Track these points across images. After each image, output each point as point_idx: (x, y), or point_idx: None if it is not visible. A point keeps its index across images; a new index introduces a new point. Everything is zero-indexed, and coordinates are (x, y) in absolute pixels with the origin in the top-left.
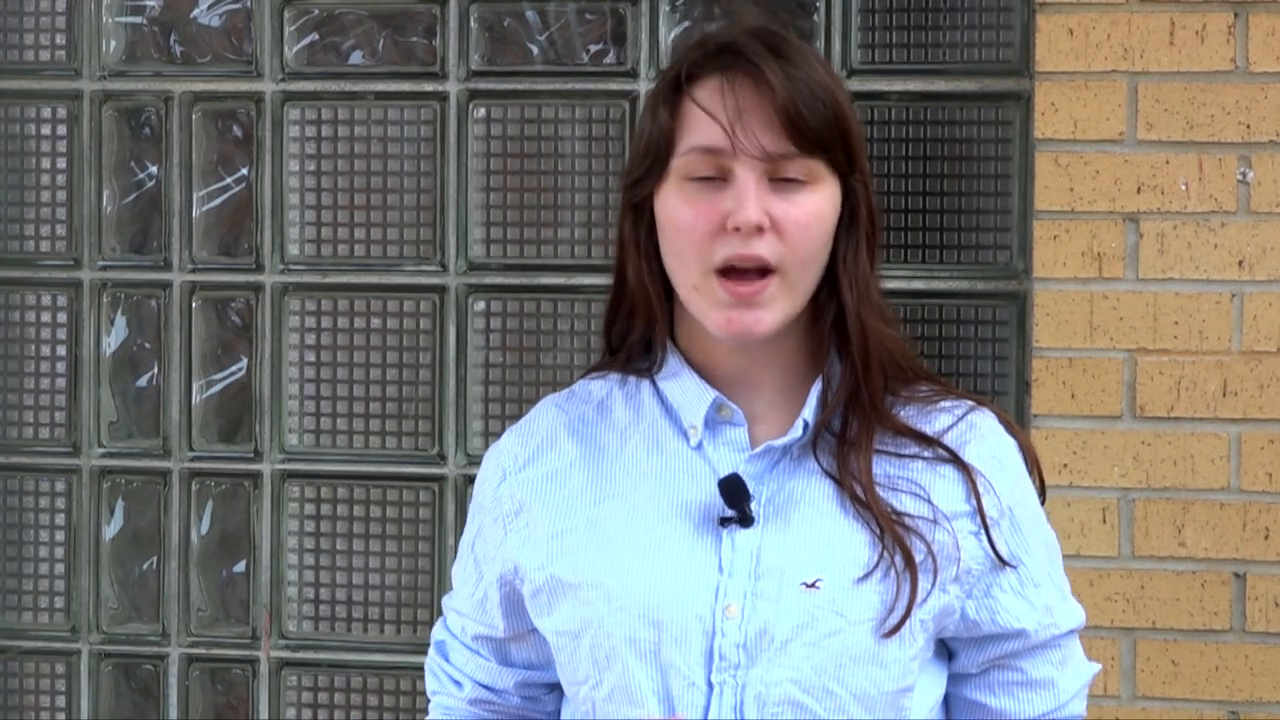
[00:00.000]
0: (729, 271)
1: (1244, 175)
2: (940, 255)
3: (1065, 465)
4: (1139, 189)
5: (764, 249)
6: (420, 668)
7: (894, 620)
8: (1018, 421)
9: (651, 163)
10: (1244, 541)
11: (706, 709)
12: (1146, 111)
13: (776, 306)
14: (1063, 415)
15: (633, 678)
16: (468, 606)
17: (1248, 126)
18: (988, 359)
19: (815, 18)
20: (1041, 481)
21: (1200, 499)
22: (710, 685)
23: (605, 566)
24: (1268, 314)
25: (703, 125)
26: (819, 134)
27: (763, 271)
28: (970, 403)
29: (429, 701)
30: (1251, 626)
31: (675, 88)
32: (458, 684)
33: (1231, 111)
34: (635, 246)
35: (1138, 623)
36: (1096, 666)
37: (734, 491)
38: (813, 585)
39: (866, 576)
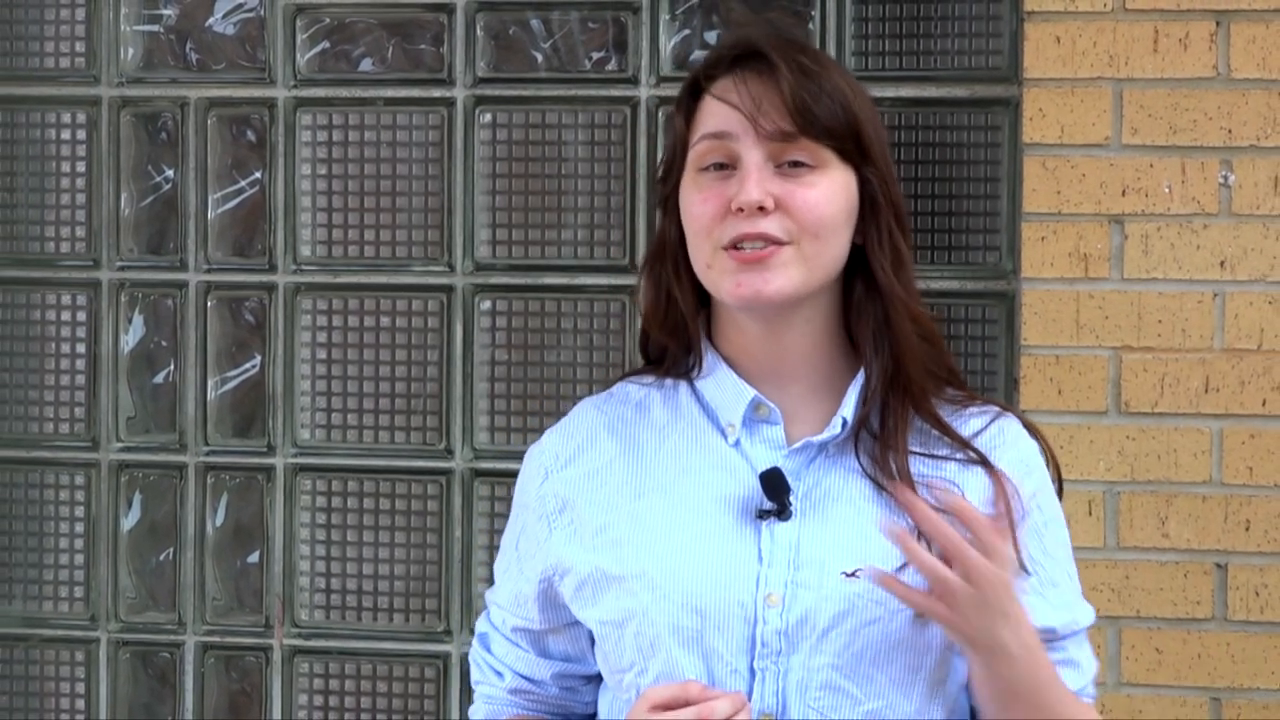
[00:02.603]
0: (734, 245)
1: (1225, 178)
2: (931, 256)
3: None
4: (1124, 192)
5: (771, 226)
6: (428, 655)
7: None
8: None
9: (672, 160)
10: (1225, 533)
11: (749, 695)
12: (1131, 117)
13: (788, 273)
14: (1050, 411)
15: (676, 665)
16: (507, 600)
17: (1229, 131)
18: (977, 356)
19: (810, 26)
20: (1060, 480)
21: (1183, 492)
22: (753, 672)
23: (649, 558)
24: (1248, 313)
25: (714, 114)
26: (824, 121)
27: (770, 244)
28: (996, 408)
29: (474, 691)
30: (1233, 615)
31: (693, 91)
32: (499, 674)
33: (1213, 117)
34: (664, 244)
35: (1123, 612)
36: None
37: (774, 485)
38: (853, 575)
39: (904, 567)
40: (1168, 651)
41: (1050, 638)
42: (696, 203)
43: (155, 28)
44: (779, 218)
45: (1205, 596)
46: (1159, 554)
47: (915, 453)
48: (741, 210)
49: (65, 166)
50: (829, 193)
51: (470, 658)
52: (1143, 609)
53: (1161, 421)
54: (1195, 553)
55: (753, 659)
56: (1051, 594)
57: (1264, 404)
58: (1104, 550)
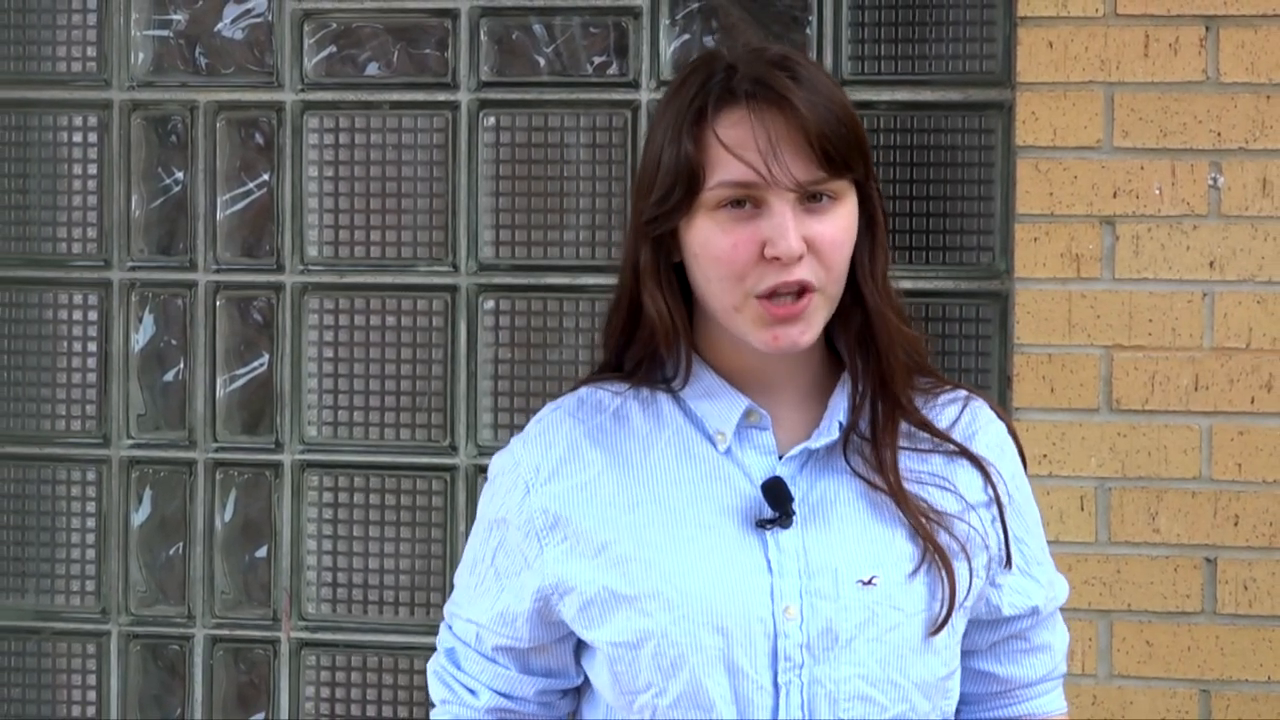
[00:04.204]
0: (769, 294)
1: (1214, 180)
2: (927, 256)
3: (1045, 456)
4: (1115, 193)
5: (804, 273)
6: (433, 649)
7: (944, 612)
8: None
9: (679, 196)
10: (1215, 528)
11: (775, 709)
12: (1122, 120)
13: (817, 318)
14: (1043, 408)
15: (700, 684)
16: (487, 618)
17: (1218, 134)
18: (972, 355)
19: (808, 31)
20: (1024, 459)
21: (1173, 488)
22: (776, 686)
23: (660, 576)
24: (1237, 312)
25: (733, 160)
26: (846, 156)
27: (801, 290)
28: (965, 392)
29: (433, 707)
30: (1222, 609)
31: (698, 119)
32: (473, 692)
33: (1203, 120)
34: (654, 274)
35: (1114, 605)
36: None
37: (777, 494)
38: (869, 583)
39: (915, 571)
40: (1158, 644)
41: (1032, 622)
42: (725, 247)
43: (165, 33)
44: (809, 261)
45: (1195, 590)
46: (1149, 548)
47: (902, 448)
48: (778, 259)
49: (77, 169)
50: (847, 224)
51: (434, 674)
52: (1133, 602)
53: (1152, 419)
54: (1185, 547)
55: (776, 673)
56: (1036, 571)
57: (1252, 401)
58: (1095, 545)
